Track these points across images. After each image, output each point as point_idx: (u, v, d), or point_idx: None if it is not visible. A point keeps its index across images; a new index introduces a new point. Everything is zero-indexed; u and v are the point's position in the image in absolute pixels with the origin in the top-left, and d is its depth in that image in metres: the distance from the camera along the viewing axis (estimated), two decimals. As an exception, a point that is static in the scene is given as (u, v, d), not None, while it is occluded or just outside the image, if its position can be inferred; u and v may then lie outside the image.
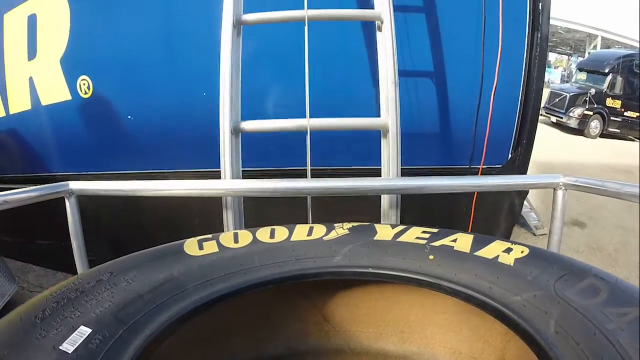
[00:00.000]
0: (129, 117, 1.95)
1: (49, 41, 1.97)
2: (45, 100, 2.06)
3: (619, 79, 9.30)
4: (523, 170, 1.96)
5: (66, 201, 1.23)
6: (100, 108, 1.97)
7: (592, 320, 0.62)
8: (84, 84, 1.95)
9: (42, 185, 1.21)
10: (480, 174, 1.85)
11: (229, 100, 1.33)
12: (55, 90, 2.02)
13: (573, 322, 0.63)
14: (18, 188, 1.15)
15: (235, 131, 1.34)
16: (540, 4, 1.76)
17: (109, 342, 0.60)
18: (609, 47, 18.14)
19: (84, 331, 0.61)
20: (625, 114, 9.49)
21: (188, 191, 1.30)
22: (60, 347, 0.56)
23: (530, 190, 2.29)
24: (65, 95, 1.99)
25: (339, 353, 1.05)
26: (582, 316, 0.63)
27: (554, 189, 1.16)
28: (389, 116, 1.33)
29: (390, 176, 1.34)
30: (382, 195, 1.39)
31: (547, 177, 1.20)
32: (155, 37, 1.86)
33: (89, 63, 1.96)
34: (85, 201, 1.29)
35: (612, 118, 9.41)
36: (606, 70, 9.43)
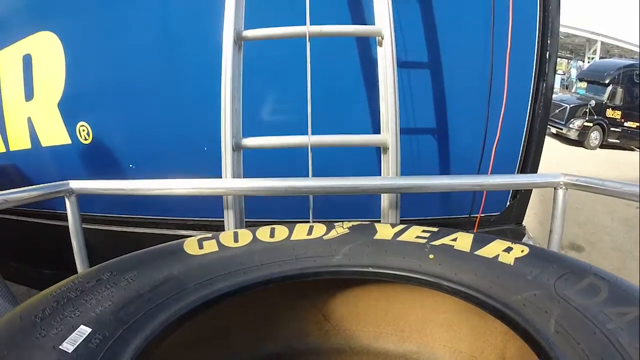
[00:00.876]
0: (130, 165, 1.89)
1: (46, 84, 1.91)
2: (45, 142, 2.02)
3: (619, 90, 9.31)
4: (519, 217, 1.97)
5: (66, 200, 1.23)
6: (101, 155, 1.91)
7: (593, 320, 0.62)
8: (84, 130, 1.91)
9: (42, 185, 1.21)
10: (478, 223, 1.85)
11: (230, 116, 1.32)
12: (54, 134, 1.97)
13: (573, 322, 0.63)
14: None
15: (237, 147, 1.35)
16: (547, 54, 1.73)
17: (109, 342, 0.60)
18: (608, 52, 18.13)
19: (84, 331, 0.61)
20: (625, 124, 9.51)
21: (189, 190, 1.30)
22: (60, 347, 0.56)
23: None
24: (65, 139, 1.94)
25: (339, 352, 1.06)
26: (582, 315, 0.63)
27: (555, 188, 1.16)
28: (388, 133, 1.33)
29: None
30: (382, 195, 1.38)
31: (548, 177, 1.20)
32: (156, 85, 1.80)
33: (87, 109, 1.89)
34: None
35: (612, 129, 9.44)
36: (606, 81, 9.44)
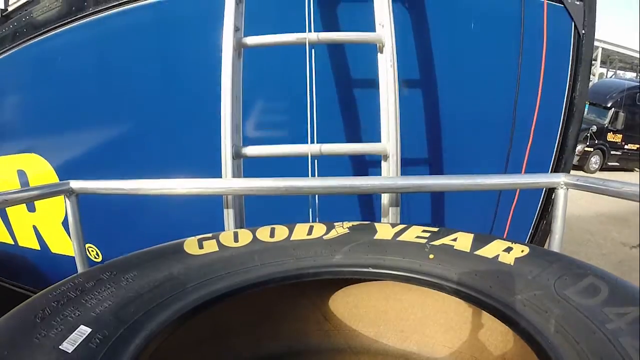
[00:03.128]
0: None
1: (46, 204, 1.91)
2: (54, 249, 2.03)
3: (621, 114, 9.27)
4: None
5: (66, 200, 1.23)
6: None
7: (592, 320, 0.62)
8: (92, 251, 1.91)
9: (43, 185, 1.21)
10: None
11: (229, 125, 1.32)
12: (62, 245, 1.97)
13: (573, 322, 0.63)
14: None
15: (237, 155, 1.35)
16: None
17: (109, 342, 0.60)
18: (608, 57, 18.10)
19: (84, 330, 0.61)
20: (626, 147, 9.49)
21: (189, 190, 1.30)
22: (60, 347, 0.56)
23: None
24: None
25: (339, 352, 1.05)
26: (582, 315, 0.63)
27: (555, 189, 1.16)
28: (389, 142, 1.33)
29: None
30: (382, 195, 1.39)
31: (548, 177, 1.20)
32: (151, 204, 1.76)
33: (93, 234, 1.86)
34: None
35: (612, 152, 9.44)
36: (609, 105, 9.41)
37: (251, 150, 1.36)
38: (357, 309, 1.06)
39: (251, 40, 1.34)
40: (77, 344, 0.57)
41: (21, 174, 2.01)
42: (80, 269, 1.27)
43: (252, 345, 1.03)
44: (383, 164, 1.38)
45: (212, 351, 0.97)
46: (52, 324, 0.61)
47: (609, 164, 9.53)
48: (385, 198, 1.37)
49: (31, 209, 2.02)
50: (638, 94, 9.39)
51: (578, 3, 1.70)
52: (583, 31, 1.68)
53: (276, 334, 1.05)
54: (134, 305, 0.70)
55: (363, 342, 1.06)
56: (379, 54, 1.36)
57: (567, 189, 1.14)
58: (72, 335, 0.59)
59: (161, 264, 0.83)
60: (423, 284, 0.84)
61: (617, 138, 9.50)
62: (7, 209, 2.08)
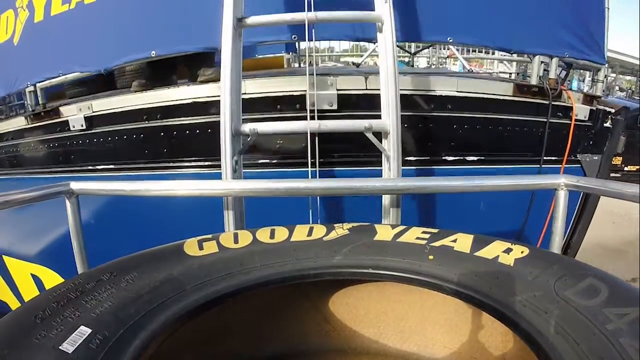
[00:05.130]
0: None
1: None
2: None
3: (622, 138, 9.22)
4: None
5: (67, 201, 1.23)
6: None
7: (592, 320, 0.62)
8: (45, 274, 1.94)
9: (43, 185, 1.21)
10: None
11: (229, 102, 1.33)
12: None
13: (573, 322, 0.63)
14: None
15: (236, 133, 1.35)
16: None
17: (109, 342, 0.60)
18: (608, 62, 18.10)
19: (84, 331, 0.61)
20: (626, 168, 9.45)
21: (189, 191, 1.30)
22: (60, 347, 0.56)
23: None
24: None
25: (339, 353, 1.05)
26: (582, 316, 0.63)
27: (555, 190, 1.16)
28: (389, 118, 1.33)
29: (391, 176, 1.34)
30: (382, 196, 1.38)
31: (548, 178, 1.19)
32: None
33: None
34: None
35: (611, 174, 9.38)
36: None
37: (250, 127, 1.35)
38: (357, 310, 1.06)
39: (251, 19, 1.35)
40: (77, 345, 0.58)
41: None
42: (80, 270, 1.27)
43: (252, 346, 1.03)
44: (383, 140, 1.37)
45: (212, 352, 0.97)
46: (52, 324, 0.61)
47: (608, 186, 9.57)
48: (386, 199, 1.37)
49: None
50: (639, 115, 9.39)
51: (596, 158, 1.82)
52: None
53: (276, 335, 1.05)
54: (134, 306, 0.70)
55: (363, 342, 1.06)
56: (378, 33, 1.36)
57: (568, 190, 1.14)
58: (72, 335, 0.59)
59: (161, 265, 0.83)
60: (423, 285, 0.84)
61: (617, 160, 9.44)
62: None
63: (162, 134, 1.77)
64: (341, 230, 1.01)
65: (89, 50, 1.85)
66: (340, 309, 1.07)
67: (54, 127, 1.97)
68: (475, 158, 1.76)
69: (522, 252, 0.83)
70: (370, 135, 1.35)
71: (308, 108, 1.48)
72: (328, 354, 1.05)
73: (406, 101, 1.61)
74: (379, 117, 1.38)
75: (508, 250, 0.85)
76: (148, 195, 1.30)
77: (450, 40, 1.67)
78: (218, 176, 1.40)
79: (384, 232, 0.99)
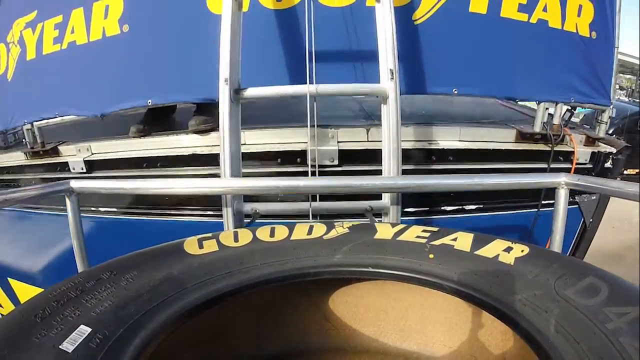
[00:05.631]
0: None
1: None
2: None
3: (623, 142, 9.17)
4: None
5: (67, 200, 1.23)
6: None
7: (593, 320, 0.61)
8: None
9: (43, 184, 1.21)
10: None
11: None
12: None
13: (573, 321, 0.63)
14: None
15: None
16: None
17: (109, 341, 0.60)
18: None
19: (84, 330, 0.61)
20: (625, 172, 9.41)
21: (189, 189, 1.30)
22: (60, 347, 0.56)
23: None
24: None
25: (339, 352, 1.06)
26: (583, 315, 0.63)
27: (556, 189, 1.15)
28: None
29: (391, 174, 1.33)
30: (382, 194, 1.38)
31: (549, 176, 1.19)
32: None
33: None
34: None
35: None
36: (610, 132, 9.31)
37: (249, 92, 1.32)
38: (357, 309, 1.06)
39: (249, 92, 1.33)
40: (77, 344, 0.58)
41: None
42: (80, 269, 1.27)
43: (251, 345, 1.03)
44: (383, 106, 1.35)
45: (212, 351, 0.98)
46: (52, 323, 0.61)
47: (608, 189, 9.55)
48: (385, 198, 1.37)
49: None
50: (639, 119, 9.37)
51: (593, 198, 1.83)
52: (590, 220, 1.86)
53: (276, 334, 1.05)
54: (134, 305, 0.70)
55: (363, 341, 1.06)
56: (382, 104, 1.34)
57: (568, 189, 1.14)
58: (72, 334, 0.59)
59: (161, 263, 0.83)
60: (423, 284, 0.84)
61: (616, 162, 9.46)
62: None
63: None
64: (341, 228, 1.01)
65: (85, 93, 1.82)
66: (340, 307, 1.07)
67: (54, 166, 1.97)
68: (474, 207, 1.78)
69: (522, 251, 0.83)
70: (370, 216, 1.35)
71: (309, 164, 1.47)
72: (328, 352, 1.06)
73: (407, 154, 1.61)
74: (379, 172, 1.37)
75: (508, 249, 0.85)
76: (148, 194, 1.30)
77: (455, 92, 1.65)
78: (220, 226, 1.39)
79: (384, 230, 0.99)
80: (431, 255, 0.88)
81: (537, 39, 1.65)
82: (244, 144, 1.59)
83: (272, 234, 0.99)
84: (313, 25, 1.33)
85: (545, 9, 1.61)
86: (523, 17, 1.61)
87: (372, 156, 1.56)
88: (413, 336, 1.04)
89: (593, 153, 1.83)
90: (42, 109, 1.94)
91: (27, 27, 1.89)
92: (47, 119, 1.98)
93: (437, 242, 0.92)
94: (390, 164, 1.33)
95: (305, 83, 1.29)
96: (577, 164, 1.78)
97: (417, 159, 1.72)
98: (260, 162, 1.69)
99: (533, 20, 1.62)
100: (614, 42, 1.74)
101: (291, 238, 0.98)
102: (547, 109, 1.78)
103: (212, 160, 1.69)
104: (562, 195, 1.14)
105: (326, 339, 1.06)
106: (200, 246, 0.92)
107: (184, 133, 1.78)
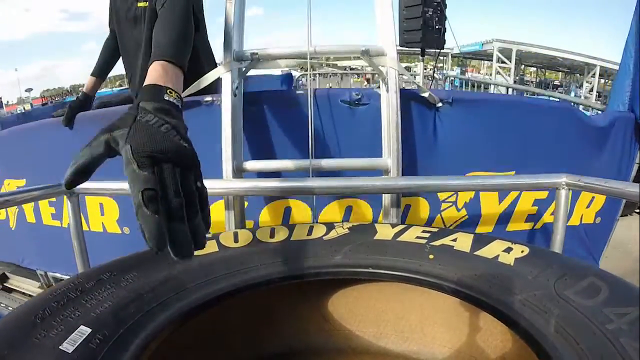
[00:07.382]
0: None
1: None
2: None
3: None
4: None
5: (67, 200, 1.23)
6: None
7: (593, 320, 0.61)
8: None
9: (44, 185, 1.21)
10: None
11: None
12: None
13: (573, 322, 0.63)
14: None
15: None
16: None
17: (109, 342, 0.60)
18: (606, 71, 18.19)
19: (84, 331, 0.61)
20: None
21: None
22: (60, 347, 0.56)
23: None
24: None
25: (339, 352, 1.06)
26: (583, 316, 0.63)
27: (557, 189, 1.15)
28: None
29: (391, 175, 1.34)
30: (383, 195, 1.38)
31: (549, 177, 1.19)
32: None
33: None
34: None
35: None
36: None
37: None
38: (357, 309, 1.06)
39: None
40: (77, 344, 0.58)
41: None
42: (80, 269, 1.27)
43: (252, 346, 1.03)
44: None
45: (212, 351, 0.98)
46: (52, 324, 0.61)
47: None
48: (386, 199, 1.37)
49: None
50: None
51: None
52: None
53: (276, 335, 1.05)
54: (134, 305, 0.70)
55: (363, 342, 1.06)
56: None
57: (569, 189, 1.14)
58: (72, 335, 0.59)
59: (161, 264, 0.84)
60: (423, 284, 0.84)
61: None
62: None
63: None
64: (341, 229, 1.01)
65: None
66: (340, 308, 1.07)
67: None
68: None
69: (522, 252, 0.83)
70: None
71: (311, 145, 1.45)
72: (328, 353, 1.05)
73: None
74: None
75: (508, 250, 0.85)
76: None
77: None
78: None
79: (384, 231, 0.99)
80: (431, 256, 0.88)
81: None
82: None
83: (272, 235, 1.00)
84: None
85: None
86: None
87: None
88: (413, 337, 1.04)
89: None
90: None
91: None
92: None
93: (437, 243, 0.92)
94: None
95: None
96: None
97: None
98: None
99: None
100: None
101: (291, 239, 0.98)
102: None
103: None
104: (563, 195, 1.14)
105: (326, 339, 1.06)
106: (200, 247, 0.92)
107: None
